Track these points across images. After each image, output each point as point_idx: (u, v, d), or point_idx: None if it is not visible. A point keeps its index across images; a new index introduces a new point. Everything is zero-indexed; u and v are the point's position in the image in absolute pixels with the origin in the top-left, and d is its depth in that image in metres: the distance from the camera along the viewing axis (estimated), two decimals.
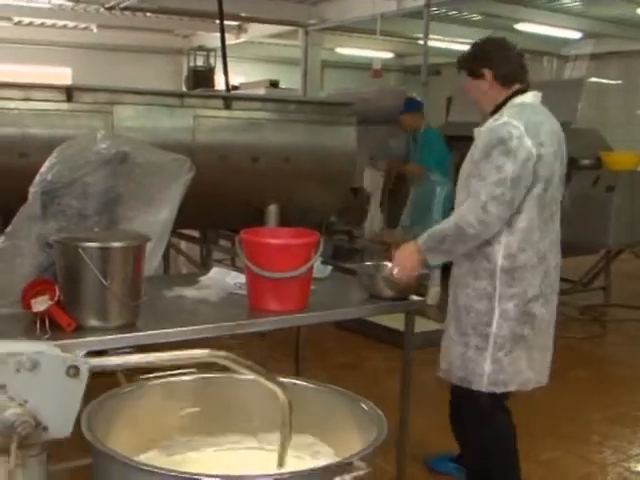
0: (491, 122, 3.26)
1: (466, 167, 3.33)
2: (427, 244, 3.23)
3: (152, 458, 1.69)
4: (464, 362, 3.30)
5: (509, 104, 3.28)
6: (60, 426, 1.42)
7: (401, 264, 3.30)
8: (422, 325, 4.50)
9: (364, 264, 3.81)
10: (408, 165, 7.82)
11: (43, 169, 3.14)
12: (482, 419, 3.39)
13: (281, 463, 1.69)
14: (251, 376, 1.65)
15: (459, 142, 8.16)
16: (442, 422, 3.72)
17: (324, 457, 1.72)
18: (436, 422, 4.42)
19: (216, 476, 1.58)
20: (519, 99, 3.28)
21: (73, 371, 1.42)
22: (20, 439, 1.35)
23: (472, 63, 3.38)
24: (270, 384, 1.63)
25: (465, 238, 3.16)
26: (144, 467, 1.43)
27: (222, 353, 1.74)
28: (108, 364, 1.51)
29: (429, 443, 4.22)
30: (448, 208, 8.15)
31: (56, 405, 1.40)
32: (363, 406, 1.59)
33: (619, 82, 13.77)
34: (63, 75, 15.53)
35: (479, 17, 11.93)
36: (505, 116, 3.19)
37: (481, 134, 3.26)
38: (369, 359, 6.00)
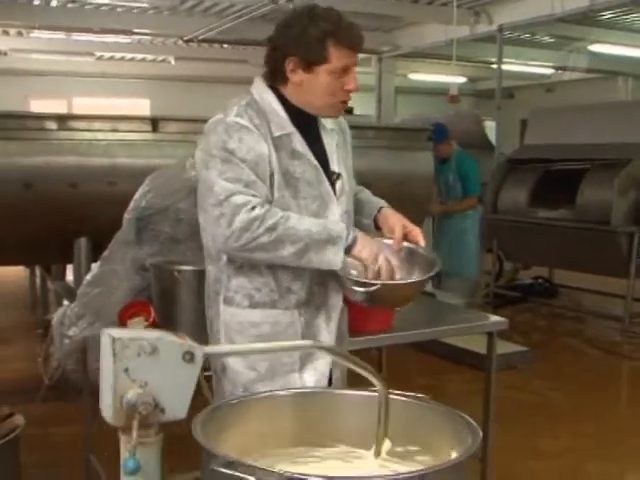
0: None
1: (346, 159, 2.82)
2: None
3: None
4: None
5: None
6: (176, 409, 1.54)
7: None
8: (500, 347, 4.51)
9: None
10: (466, 201, 7.63)
11: (137, 196, 3.30)
12: None
13: (378, 452, 1.76)
14: (349, 365, 1.75)
15: (537, 165, 8.18)
16: (524, 445, 3.65)
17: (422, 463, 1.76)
18: (519, 445, 4.42)
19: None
20: None
21: (189, 356, 1.55)
22: (141, 418, 1.48)
23: None
24: (366, 374, 1.72)
25: None
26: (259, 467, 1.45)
27: (325, 344, 1.84)
28: (220, 351, 1.63)
29: (512, 467, 4.20)
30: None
31: (173, 388, 1.53)
32: (459, 415, 1.64)
33: None
34: (141, 106, 15.98)
35: (552, 39, 11.88)
36: None
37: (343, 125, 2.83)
38: (449, 381, 6.00)
